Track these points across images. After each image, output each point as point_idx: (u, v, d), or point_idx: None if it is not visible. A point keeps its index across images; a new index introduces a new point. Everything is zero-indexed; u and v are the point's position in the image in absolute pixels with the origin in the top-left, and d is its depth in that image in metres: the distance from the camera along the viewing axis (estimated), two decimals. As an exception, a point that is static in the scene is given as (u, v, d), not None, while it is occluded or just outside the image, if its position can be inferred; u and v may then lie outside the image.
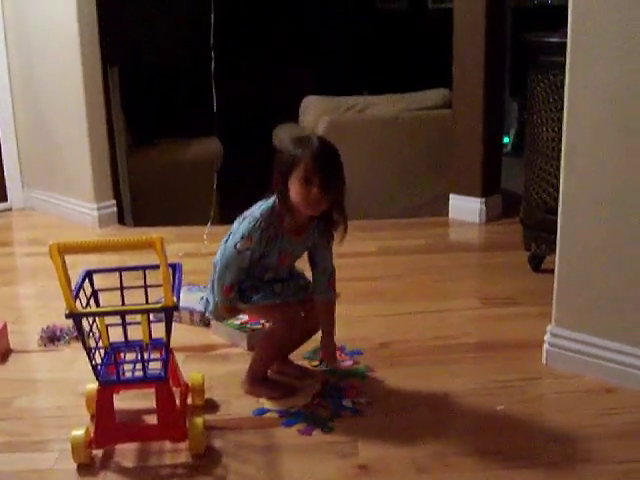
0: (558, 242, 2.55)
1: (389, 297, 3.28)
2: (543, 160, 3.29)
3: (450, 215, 4.45)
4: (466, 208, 4.36)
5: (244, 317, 2.83)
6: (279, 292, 2.40)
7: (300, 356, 2.63)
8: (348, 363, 2.64)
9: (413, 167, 4.85)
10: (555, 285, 2.57)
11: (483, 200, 4.31)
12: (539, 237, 3.39)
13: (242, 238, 2.29)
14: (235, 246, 2.30)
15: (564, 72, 2.45)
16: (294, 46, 7.14)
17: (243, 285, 2.37)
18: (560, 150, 2.52)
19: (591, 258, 2.47)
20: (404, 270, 3.61)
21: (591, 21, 2.34)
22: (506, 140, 6.48)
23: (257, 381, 2.46)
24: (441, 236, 4.26)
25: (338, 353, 2.65)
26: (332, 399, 2.39)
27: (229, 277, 2.33)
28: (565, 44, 2.43)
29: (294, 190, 2.24)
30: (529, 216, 3.50)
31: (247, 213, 2.34)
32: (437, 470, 2.04)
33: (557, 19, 2.59)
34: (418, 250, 3.93)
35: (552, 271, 2.60)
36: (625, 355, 2.43)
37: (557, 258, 2.56)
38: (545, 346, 2.59)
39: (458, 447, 2.14)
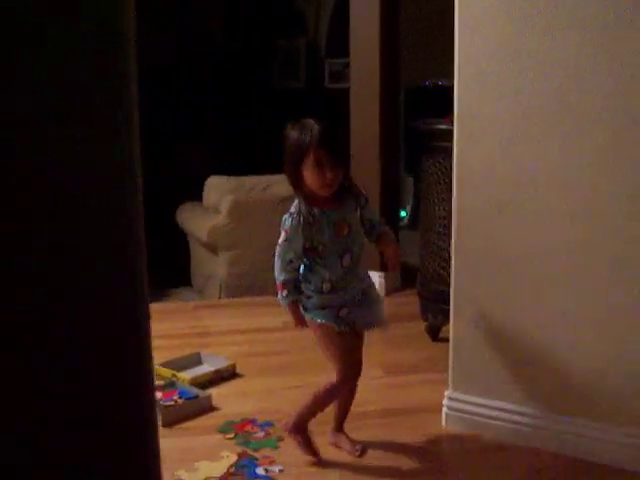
0: (451, 312, 2.75)
1: (296, 370, 3.41)
2: (436, 236, 3.52)
3: (352, 289, 4.61)
4: (366, 282, 4.54)
5: (158, 394, 2.91)
6: (343, 316, 2.44)
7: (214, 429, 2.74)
8: (260, 434, 2.76)
9: (315, 243, 5.02)
10: (450, 352, 2.76)
11: (382, 274, 4.51)
12: (435, 308, 3.60)
13: (281, 233, 2.41)
14: (278, 243, 2.42)
15: (452, 156, 2.69)
16: (196, 126, 7.31)
17: (312, 300, 2.44)
18: (451, 227, 2.75)
19: (481, 327, 2.67)
20: (310, 343, 3.72)
21: (474, 110, 2.59)
22: (403, 214, 6.73)
23: (299, 429, 2.55)
24: (344, 309, 4.42)
25: (250, 426, 2.78)
26: (246, 468, 2.50)
27: (278, 272, 2.43)
28: (452, 131, 2.68)
29: (309, 177, 2.33)
30: (425, 288, 3.71)
31: None
32: (348, 531, 2.17)
33: (448, 99, 2.80)
34: (322, 323, 4.07)
35: (449, 339, 2.80)
36: (515, 414, 2.63)
37: (451, 328, 2.77)
38: (444, 409, 2.78)
39: (367, 508, 2.28)
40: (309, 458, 2.57)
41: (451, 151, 2.70)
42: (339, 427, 2.66)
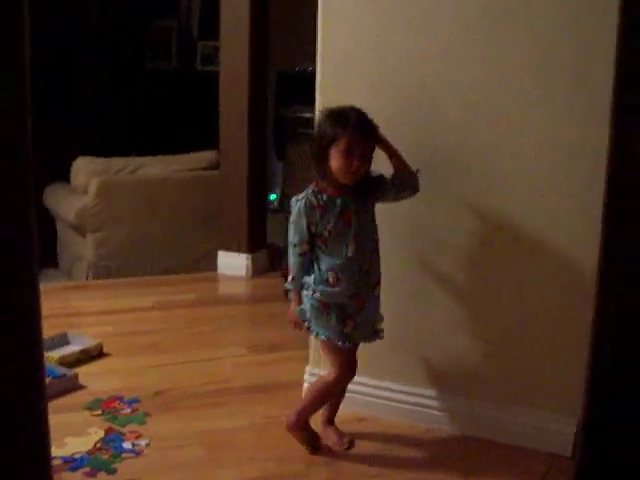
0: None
1: (163, 349, 3.48)
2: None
3: (219, 270, 4.72)
4: (233, 264, 4.65)
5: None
6: (348, 332, 2.42)
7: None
8: (127, 411, 2.82)
9: (184, 225, 5.08)
10: (311, 330, 2.90)
11: (249, 256, 4.62)
12: (299, 288, 3.73)
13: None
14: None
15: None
16: (62, 106, 7.17)
17: (315, 297, 2.41)
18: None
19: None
20: (178, 323, 3.83)
21: (336, 98, 2.69)
22: (273, 197, 6.81)
23: (300, 425, 2.55)
24: (211, 290, 4.53)
25: (117, 402, 2.84)
26: (113, 443, 2.57)
27: (289, 255, 2.45)
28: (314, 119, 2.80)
29: (335, 162, 2.33)
30: (290, 270, 3.84)
31: None
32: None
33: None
34: (190, 304, 4.16)
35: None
36: (372, 388, 2.80)
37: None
38: (304, 384, 2.92)
39: (230, 478, 2.41)
40: (175, 432, 2.66)
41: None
42: (329, 421, 2.68)
